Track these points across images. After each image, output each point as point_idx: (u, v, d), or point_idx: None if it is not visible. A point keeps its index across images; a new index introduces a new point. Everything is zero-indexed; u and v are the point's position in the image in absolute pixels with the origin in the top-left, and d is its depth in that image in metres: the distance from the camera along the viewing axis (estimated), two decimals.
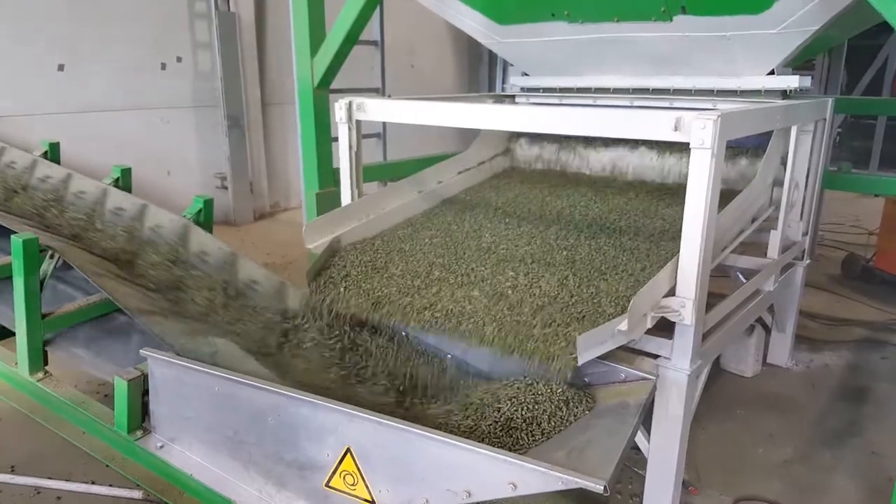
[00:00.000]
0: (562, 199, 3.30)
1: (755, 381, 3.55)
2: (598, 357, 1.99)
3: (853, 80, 8.30)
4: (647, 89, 3.37)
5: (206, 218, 3.24)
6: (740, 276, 3.20)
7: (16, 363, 2.68)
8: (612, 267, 2.48)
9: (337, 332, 2.49)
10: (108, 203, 3.39)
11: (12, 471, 2.63)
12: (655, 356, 2.23)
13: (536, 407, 1.97)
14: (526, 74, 3.85)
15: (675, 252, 2.08)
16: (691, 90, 3.24)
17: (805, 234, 3.40)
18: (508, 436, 1.91)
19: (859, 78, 8.26)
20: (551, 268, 2.51)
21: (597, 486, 1.52)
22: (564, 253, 2.64)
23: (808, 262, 3.52)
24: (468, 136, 3.82)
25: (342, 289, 2.52)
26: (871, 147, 7.85)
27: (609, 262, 2.53)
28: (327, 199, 3.73)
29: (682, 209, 2.02)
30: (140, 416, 2.27)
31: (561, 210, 3.15)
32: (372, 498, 1.82)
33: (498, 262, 2.59)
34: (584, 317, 2.17)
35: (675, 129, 1.99)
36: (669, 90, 3.30)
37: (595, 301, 2.26)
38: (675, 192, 3.25)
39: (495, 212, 3.14)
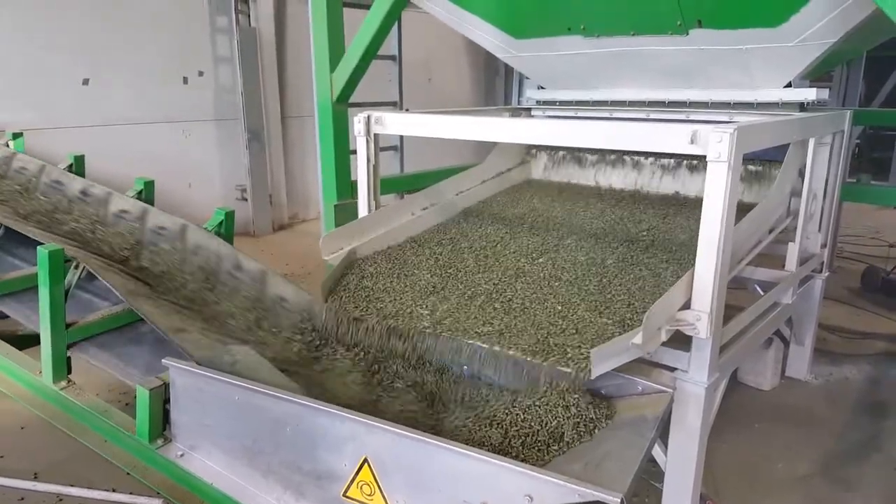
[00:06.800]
0: (579, 210, 3.31)
1: (773, 394, 3.52)
2: (614, 369, 1.99)
3: (872, 91, 8.23)
4: (664, 102, 3.38)
5: (227, 229, 3.29)
6: (758, 288, 3.18)
7: (40, 371, 2.74)
8: (637, 278, 2.49)
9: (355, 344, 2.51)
10: (188, 242, 3.24)
11: (35, 478, 2.67)
12: (673, 369, 2.23)
13: (553, 419, 1.97)
14: (542, 88, 3.87)
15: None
16: (707, 103, 3.25)
17: (823, 245, 3.37)
18: (526, 448, 1.92)
19: (878, 89, 8.20)
20: (569, 276, 2.52)
21: (613, 499, 1.53)
22: (584, 259, 2.65)
23: (826, 274, 3.50)
24: (484, 149, 3.85)
25: (357, 300, 2.54)
26: (891, 158, 7.77)
27: (634, 273, 2.53)
28: (345, 210, 3.77)
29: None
30: (161, 424, 2.30)
31: (577, 221, 3.16)
32: None
33: (515, 271, 2.60)
34: (603, 329, 2.18)
35: (692, 142, 2.00)
36: (686, 103, 3.31)
37: (620, 313, 2.26)
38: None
39: (511, 223, 3.16)
